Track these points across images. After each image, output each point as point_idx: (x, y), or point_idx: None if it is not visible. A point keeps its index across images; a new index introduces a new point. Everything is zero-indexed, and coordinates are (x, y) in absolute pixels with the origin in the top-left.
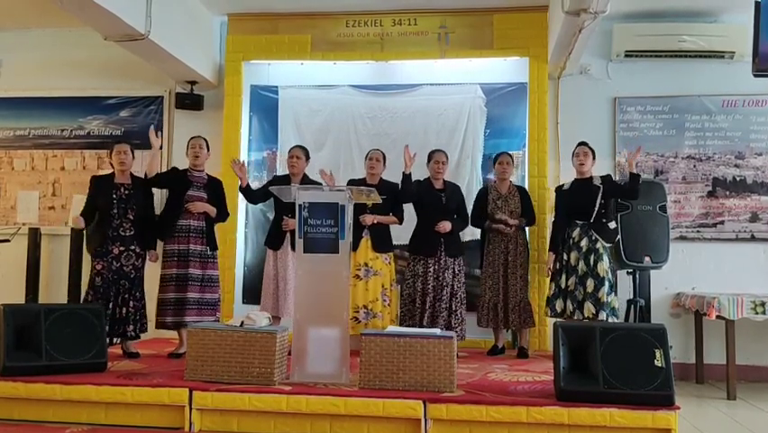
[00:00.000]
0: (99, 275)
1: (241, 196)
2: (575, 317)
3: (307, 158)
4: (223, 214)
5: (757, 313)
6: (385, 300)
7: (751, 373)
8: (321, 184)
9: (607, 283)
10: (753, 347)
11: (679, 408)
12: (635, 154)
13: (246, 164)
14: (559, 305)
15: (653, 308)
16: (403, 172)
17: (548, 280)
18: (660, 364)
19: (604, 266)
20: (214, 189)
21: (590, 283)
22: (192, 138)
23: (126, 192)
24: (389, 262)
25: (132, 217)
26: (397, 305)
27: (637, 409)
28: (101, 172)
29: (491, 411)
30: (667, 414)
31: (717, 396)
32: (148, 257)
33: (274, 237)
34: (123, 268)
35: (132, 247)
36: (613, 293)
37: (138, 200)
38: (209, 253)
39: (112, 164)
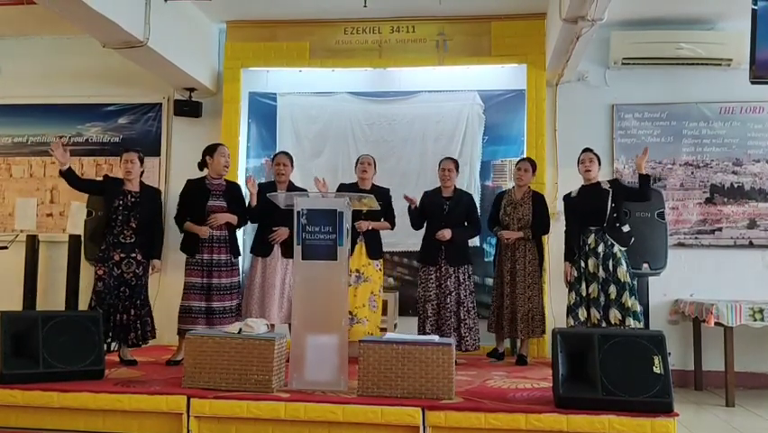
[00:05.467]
0: (101, 280)
1: None
2: (602, 325)
3: (293, 164)
4: (243, 219)
5: (756, 320)
6: (373, 306)
7: (749, 380)
8: (306, 191)
9: (628, 288)
10: (751, 354)
11: (677, 415)
12: (642, 156)
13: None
14: (582, 313)
15: (651, 314)
16: (408, 206)
17: (566, 289)
18: (658, 371)
19: (624, 270)
20: (233, 195)
21: (613, 289)
22: (220, 145)
23: (132, 200)
24: (380, 269)
25: (134, 225)
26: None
27: (636, 416)
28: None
29: (490, 418)
30: (666, 421)
31: (716, 403)
32: (150, 268)
33: (263, 244)
34: (123, 275)
35: (134, 255)
36: (634, 297)
37: (143, 210)
38: (233, 261)
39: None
